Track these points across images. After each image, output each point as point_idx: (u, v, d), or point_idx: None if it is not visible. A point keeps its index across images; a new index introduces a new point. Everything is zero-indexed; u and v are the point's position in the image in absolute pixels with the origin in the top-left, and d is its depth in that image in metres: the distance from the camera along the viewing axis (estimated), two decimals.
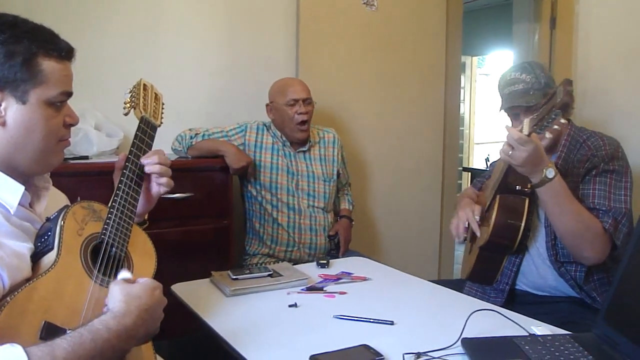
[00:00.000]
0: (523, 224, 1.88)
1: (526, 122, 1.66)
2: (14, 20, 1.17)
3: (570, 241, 1.80)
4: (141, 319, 1.10)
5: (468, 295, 1.87)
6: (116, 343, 1.03)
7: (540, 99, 1.87)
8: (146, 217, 1.55)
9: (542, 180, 1.70)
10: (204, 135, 2.68)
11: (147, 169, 1.41)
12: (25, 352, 0.92)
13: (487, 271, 2.02)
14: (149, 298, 1.13)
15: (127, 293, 1.11)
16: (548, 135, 1.66)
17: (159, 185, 1.45)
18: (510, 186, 1.93)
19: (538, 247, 1.96)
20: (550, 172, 1.69)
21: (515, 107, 1.93)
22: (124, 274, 1.19)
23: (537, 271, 1.97)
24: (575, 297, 1.93)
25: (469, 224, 2.03)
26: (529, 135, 1.64)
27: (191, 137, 2.66)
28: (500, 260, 2.00)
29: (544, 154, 1.69)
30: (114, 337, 1.03)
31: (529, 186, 1.86)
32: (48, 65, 1.17)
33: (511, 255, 1.99)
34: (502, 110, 2.00)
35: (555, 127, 1.63)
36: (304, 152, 2.78)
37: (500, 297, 2.00)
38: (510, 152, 1.68)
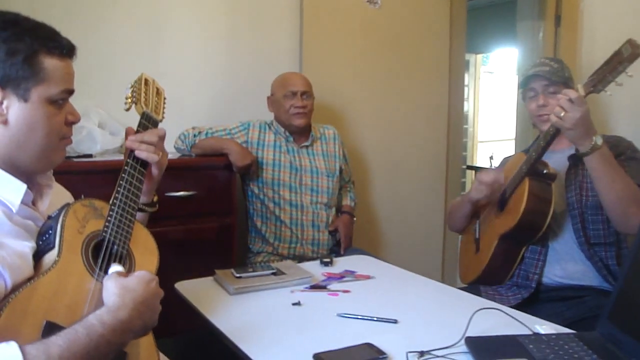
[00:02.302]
0: (551, 210, 1.89)
1: (580, 86, 1.69)
2: (16, 18, 1.17)
3: (619, 208, 1.79)
4: (137, 311, 1.09)
5: (486, 299, 1.82)
6: (112, 337, 1.03)
7: (557, 85, 1.96)
8: (155, 198, 1.55)
9: (593, 146, 1.71)
10: (207, 134, 2.68)
11: (127, 144, 1.39)
12: (21, 349, 0.91)
13: (503, 266, 2.01)
14: (144, 290, 1.12)
15: (122, 286, 1.11)
16: (609, 92, 1.68)
17: (154, 167, 1.44)
18: (537, 170, 1.93)
19: (564, 234, 1.96)
20: (599, 139, 1.71)
21: (535, 79, 2.00)
22: (115, 267, 1.19)
23: (564, 259, 1.96)
24: (602, 288, 1.91)
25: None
26: (585, 96, 1.67)
27: (194, 136, 2.66)
28: (517, 252, 1.99)
29: (591, 120, 1.71)
30: (109, 331, 1.02)
31: (551, 170, 1.90)
32: (50, 63, 1.16)
33: (535, 246, 1.98)
34: (520, 90, 2.09)
35: (620, 83, 1.65)
36: (307, 147, 2.79)
37: (524, 292, 1.96)
38: (562, 114, 1.69)
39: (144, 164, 1.41)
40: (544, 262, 1.98)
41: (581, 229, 1.92)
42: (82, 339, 0.98)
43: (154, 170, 1.45)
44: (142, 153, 1.38)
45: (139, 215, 1.47)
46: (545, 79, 1.99)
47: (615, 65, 1.61)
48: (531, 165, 1.93)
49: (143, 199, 1.48)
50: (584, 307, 1.88)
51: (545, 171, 1.92)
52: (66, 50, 1.20)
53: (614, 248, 1.91)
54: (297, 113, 2.69)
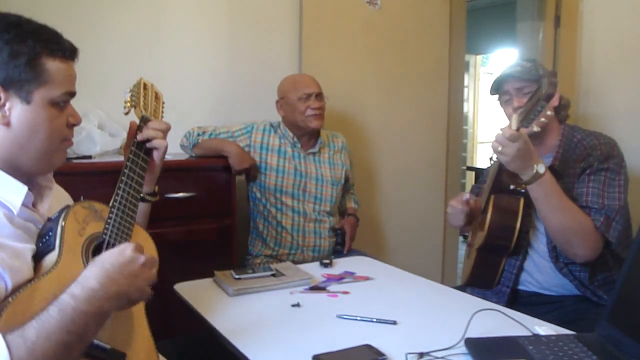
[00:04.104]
0: (518, 224, 1.87)
1: (514, 118, 1.66)
2: (18, 20, 1.17)
3: (561, 238, 1.80)
4: (108, 278, 1.06)
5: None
6: (87, 308, 1.01)
7: (531, 84, 1.91)
8: (156, 188, 1.58)
9: (534, 176, 1.70)
10: (211, 134, 2.68)
11: (139, 137, 1.44)
12: (3, 337, 0.93)
13: (486, 275, 2.00)
14: (114, 258, 1.10)
15: (93, 260, 1.10)
16: (536, 128, 1.69)
17: (156, 151, 1.48)
18: (504, 186, 1.92)
19: (540, 247, 1.96)
20: (541, 168, 1.69)
21: (508, 81, 1.96)
22: None
23: (541, 271, 1.96)
24: (580, 296, 1.91)
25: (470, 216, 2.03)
26: (517, 130, 1.64)
27: (198, 135, 2.67)
28: (498, 262, 1.98)
29: (533, 150, 1.69)
30: (82, 303, 1.01)
31: (523, 185, 1.86)
32: (52, 65, 1.17)
33: (511, 258, 1.98)
34: (494, 94, 2.05)
35: (542, 119, 1.66)
36: (314, 154, 2.76)
37: (502, 301, 1.98)
38: (500, 149, 1.68)
39: (147, 152, 1.44)
40: (517, 275, 1.99)
41: (552, 249, 1.91)
42: (54, 316, 0.98)
43: (156, 155, 1.48)
44: (152, 138, 1.45)
45: (141, 206, 1.49)
46: (518, 80, 1.94)
47: (535, 101, 1.61)
48: (493, 184, 1.93)
49: (145, 189, 1.51)
50: (563, 311, 1.89)
51: (511, 187, 1.90)
52: (68, 52, 1.21)
53: (587, 267, 1.87)
54: (314, 115, 2.66)
